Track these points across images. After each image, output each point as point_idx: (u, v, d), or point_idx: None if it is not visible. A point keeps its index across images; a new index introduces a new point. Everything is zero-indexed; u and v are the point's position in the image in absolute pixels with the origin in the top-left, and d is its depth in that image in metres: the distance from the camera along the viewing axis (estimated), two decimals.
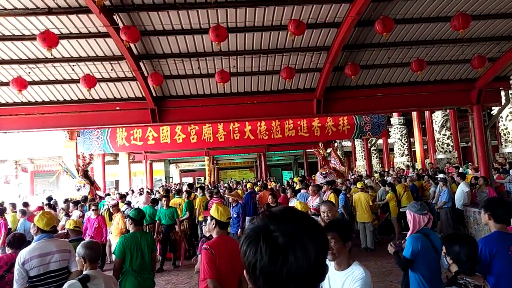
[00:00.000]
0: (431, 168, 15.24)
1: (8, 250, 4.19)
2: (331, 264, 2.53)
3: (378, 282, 6.61)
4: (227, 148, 22.03)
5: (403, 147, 19.84)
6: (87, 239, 7.86)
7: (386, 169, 18.27)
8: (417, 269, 3.38)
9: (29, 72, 8.33)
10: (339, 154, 12.94)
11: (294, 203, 8.69)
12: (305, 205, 4.45)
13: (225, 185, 18.87)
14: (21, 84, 7.73)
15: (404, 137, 19.93)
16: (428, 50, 8.56)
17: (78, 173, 11.33)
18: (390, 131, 20.99)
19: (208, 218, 3.63)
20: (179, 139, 15.70)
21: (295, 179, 20.04)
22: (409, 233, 3.53)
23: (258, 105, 9.71)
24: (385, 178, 12.49)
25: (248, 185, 12.42)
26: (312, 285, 0.92)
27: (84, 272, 3.16)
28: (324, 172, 11.73)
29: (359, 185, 9.44)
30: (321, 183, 10.26)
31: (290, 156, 33.48)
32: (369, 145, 20.36)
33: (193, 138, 15.74)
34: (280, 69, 8.34)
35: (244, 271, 0.96)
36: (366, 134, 16.49)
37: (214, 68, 8.52)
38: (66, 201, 11.61)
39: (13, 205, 9.62)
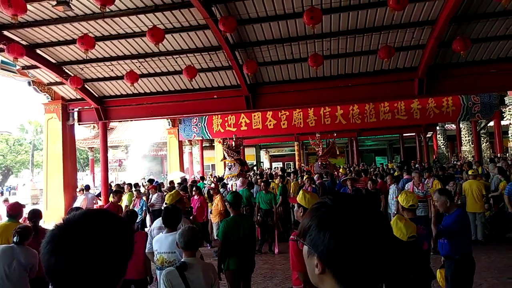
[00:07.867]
0: None
1: None
2: None
3: (492, 279, 5.95)
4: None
5: None
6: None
7: (498, 155, 16.14)
8: None
9: (139, 66, 9.25)
10: (336, 147, 13.59)
11: (392, 190, 8.28)
12: (413, 195, 4.08)
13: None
14: (133, 77, 8.65)
15: None
16: None
17: (228, 153, 11.82)
18: (504, 112, 18.48)
19: (296, 205, 3.50)
20: (270, 124, 15.96)
21: (390, 165, 18.96)
22: None
23: (353, 88, 9.37)
24: (497, 165, 11.05)
25: (341, 170, 12.14)
26: None
27: (182, 260, 3.03)
28: (325, 163, 12.03)
29: (470, 172, 8.54)
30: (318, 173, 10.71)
31: (384, 141, 31.67)
32: (477, 128, 18.20)
33: (283, 124, 15.85)
34: (377, 48, 7.90)
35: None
36: (475, 116, 14.70)
37: (307, 52, 8.44)
38: (171, 182, 12.78)
39: (130, 186, 10.86)
